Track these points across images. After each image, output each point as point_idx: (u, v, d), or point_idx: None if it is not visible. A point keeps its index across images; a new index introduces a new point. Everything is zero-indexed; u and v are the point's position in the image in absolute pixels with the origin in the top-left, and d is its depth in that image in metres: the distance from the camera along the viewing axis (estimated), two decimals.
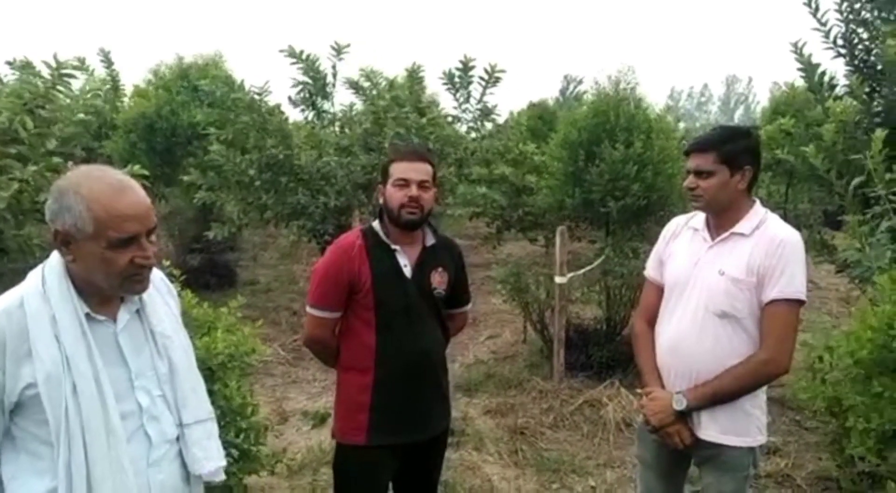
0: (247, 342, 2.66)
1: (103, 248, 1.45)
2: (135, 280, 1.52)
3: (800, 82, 6.28)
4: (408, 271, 2.36)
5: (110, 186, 1.46)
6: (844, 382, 2.91)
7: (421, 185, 2.30)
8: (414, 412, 2.39)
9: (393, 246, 2.35)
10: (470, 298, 2.70)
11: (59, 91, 3.99)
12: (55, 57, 3.95)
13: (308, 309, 2.39)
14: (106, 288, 1.51)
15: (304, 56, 6.44)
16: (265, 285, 9.04)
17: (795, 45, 4.53)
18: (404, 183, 2.29)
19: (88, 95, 4.60)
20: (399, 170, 2.31)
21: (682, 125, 12.61)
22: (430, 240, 2.44)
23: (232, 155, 6.38)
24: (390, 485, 2.54)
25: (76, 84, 4.42)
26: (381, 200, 2.39)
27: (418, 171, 2.31)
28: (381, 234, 2.36)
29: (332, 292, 2.34)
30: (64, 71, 3.93)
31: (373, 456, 2.35)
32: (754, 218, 2.21)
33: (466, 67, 6.57)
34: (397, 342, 2.33)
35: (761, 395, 2.24)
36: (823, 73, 4.51)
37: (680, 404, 2.19)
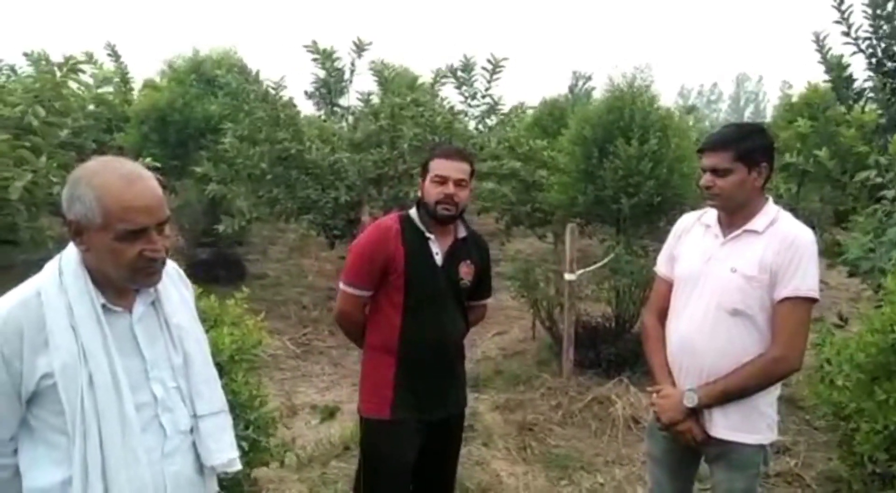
0: (252, 335, 2.67)
1: (112, 239, 1.44)
2: (145, 273, 1.51)
3: (816, 80, 6.22)
4: (439, 259, 2.48)
5: (121, 177, 1.46)
6: (849, 387, 2.91)
7: (458, 183, 2.42)
8: (435, 391, 2.51)
9: (427, 234, 2.46)
10: (491, 293, 2.82)
11: (70, 84, 4.03)
12: (65, 56, 4.00)
13: (341, 286, 2.52)
14: (116, 280, 1.51)
15: (325, 51, 6.45)
16: (274, 279, 9.06)
17: (817, 37, 4.47)
18: (442, 180, 2.41)
19: (99, 88, 4.63)
20: (438, 167, 2.44)
21: (699, 124, 12.53)
22: (462, 233, 2.56)
23: (244, 148, 6.40)
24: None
25: (86, 78, 4.46)
26: (420, 193, 2.51)
27: (456, 169, 2.43)
28: (418, 221, 2.49)
29: (366, 271, 2.45)
30: (73, 64, 3.97)
31: (397, 430, 2.46)
32: (767, 215, 2.20)
33: (468, 67, 6.58)
34: (422, 326, 2.45)
35: (773, 392, 2.23)
36: (847, 67, 4.45)
37: (691, 401, 2.19)
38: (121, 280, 1.51)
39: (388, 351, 2.47)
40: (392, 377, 2.46)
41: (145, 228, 1.46)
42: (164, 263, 1.55)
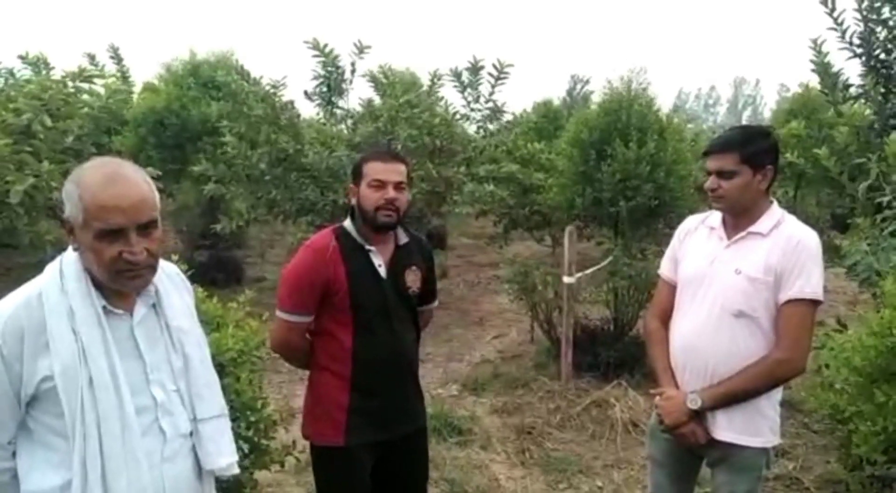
0: (256, 337, 2.67)
1: (92, 238, 1.43)
2: (127, 276, 1.48)
3: (814, 83, 6.26)
4: (382, 271, 2.32)
5: (104, 176, 1.45)
6: (848, 390, 2.91)
7: (397, 186, 2.26)
8: (392, 410, 2.37)
9: (367, 246, 2.31)
10: (437, 295, 2.68)
11: (80, 97, 4.06)
12: (81, 67, 4.03)
13: (278, 314, 2.32)
14: (103, 280, 1.49)
15: (326, 50, 6.45)
16: (272, 282, 9.03)
17: (815, 42, 4.50)
18: (380, 184, 2.25)
19: (110, 100, 4.62)
20: (374, 171, 2.27)
21: (690, 126, 12.57)
22: (403, 239, 2.41)
23: (244, 148, 6.40)
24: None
25: (96, 87, 4.49)
26: (352, 201, 2.34)
27: (394, 171, 2.28)
28: (355, 234, 2.32)
29: (306, 297, 2.28)
30: (86, 75, 3.99)
31: (352, 456, 2.32)
32: (772, 218, 2.20)
33: (476, 68, 6.57)
34: (375, 343, 2.30)
35: (776, 395, 2.23)
36: (838, 73, 4.48)
37: (694, 403, 2.18)
38: (106, 281, 1.49)
39: (340, 374, 2.30)
40: (346, 402, 2.29)
41: (122, 228, 1.43)
42: (151, 266, 1.52)
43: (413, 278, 2.40)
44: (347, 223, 2.35)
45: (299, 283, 2.29)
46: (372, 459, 2.38)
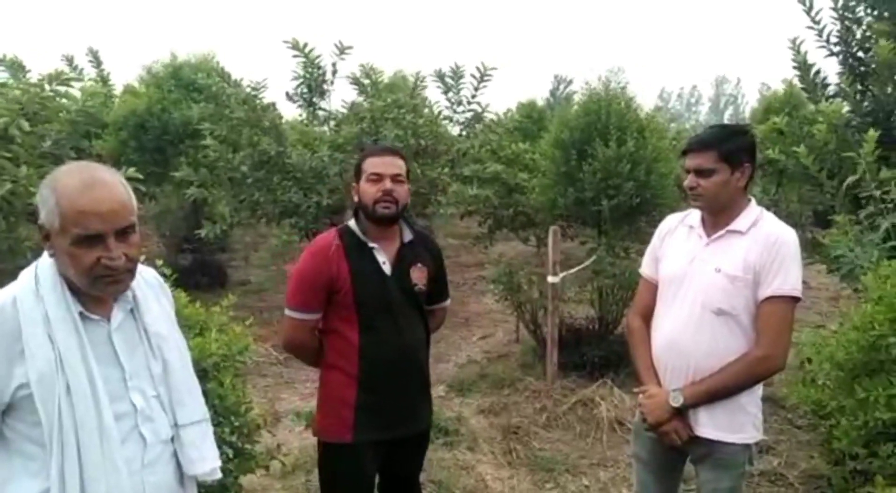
0: (239, 342, 2.65)
1: (69, 244, 1.42)
2: (106, 281, 1.46)
3: (795, 80, 6.33)
4: (387, 269, 2.35)
5: (80, 182, 1.43)
6: (829, 385, 2.94)
7: (394, 178, 2.30)
8: (399, 408, 2.40)
9: (371, 244, 2.34)
10: (448, 293, 2.70)
11: (57, 99, 4.02)
12: (58, 70, 3.98)
13: (286, 312, 2.37)
14: (80, 286, 1.47)
15: (306, 50, 6.42)
16: (257, 285, 9.00)
17: (794, 42, 4.55)
18: (377, 177, 2.29)
19: (88, 102, 4.58)
20: (372, 165, 2.32)
21: (673, 125, 12.65)
22: (408, 236, 2.44)
23: (225, 151, 6.35)
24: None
25: (73, 91, 4.44)
26: (355, 198, 2.38)
27: (391, 165, 2.32)
28: (358, 232, 2.36)
29: (311, 295, 2.32)
30: (63, 78, 3.95)
31: (358, 453, 2.36)
32: (750, 215, 2.22)
33: (457, 74, 6.58)
34: (381, 340, 2.33)
35: (757, 392, 2.25)
36: (818, 72, 4.54)
37: (676, 401, 2.19)
38: (84, 287, 1.47)
39: (348, 371, 2.34)
40: (353, 399, 2.33)
41: (100, 234, 1.42)
42: (129, 271, 1.50)
43: (419, 276, 2.42)
44: (352, 222, 2.40)
45: (304, 281, 2.33)
46: (378, 457, 2.41)
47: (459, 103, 6.75)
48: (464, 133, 7.15)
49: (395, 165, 2.33)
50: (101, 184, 1.45)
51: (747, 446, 2.24)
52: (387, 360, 2.34)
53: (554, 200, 6.48)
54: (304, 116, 6.93)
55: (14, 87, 4.13)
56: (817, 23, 4.51)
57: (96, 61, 10.08)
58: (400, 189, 2.31)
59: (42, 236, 1.47)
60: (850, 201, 3.94)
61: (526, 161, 7.96)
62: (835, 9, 4.43)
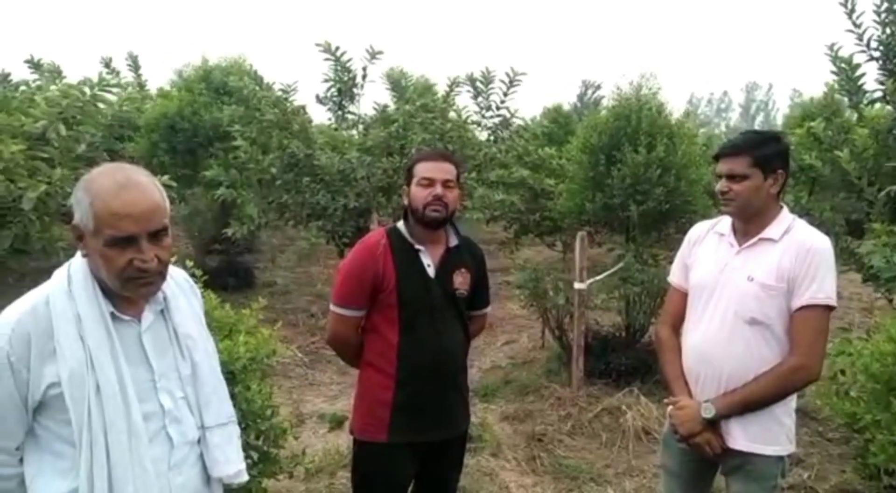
0: (267, 345, 2.66)
1: (102, 245, 1.43)
2: (138, 283, 1.47)
3: (834, 85, 6.19)
4: (431, 271, 2.38)
5: (115, 183, 1.44)
6: (864, 398, 2.87)
7: (445, 184, 2.32)
8: (435, 411, 2.40)
9: (417, 246, 2.37)
10: (489, 300, 2.70)
11: (97, 106, 4.10)
12: (100, 74, 4.06)
13: (332, 307, 2.41)
14: (112, 287, 1.49)
15: (338, 53, 6.47)
16: (283, 287, 9.07)
17: (831, 47, 4.46)
18: (428, 182, 2.31)
19: (123, 107, 4.66)
20: (423, 170, 2.35)
21: (702, 131, 12.49)
22: (454, 241, 2.46)
23: (255, 153, 6.42)
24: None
25: (111, 96, 4.52)
26: (405, 201, 2.41)
27: (442, 170, 2.34)
28: (406, 234, 2.39)
29: (356, 291, 2.35)
30: (105, 85, 4.02)
31: (393, 454, 2.37)
32: (783, 223, 2.18)
33: (487, 79, 6.57)
34: (420, 341, 2.35)
35: (791, 402, 2.21)
36: (860, 76, 4.43)
37: (709, 412, 2.15)
38: (115, 288, 1.48)
39: (386, 371, 2.35)
40: (390, 399, 2.34)
41: (133, 236, 1.43)
42: (161, 273, 1.51)
43: (462, 280, 2.44)
44: (400, 224, 2.43)
45: (350, 277, 2.37)
46: (413, 459, 2.42)
47: (489, 108, 6.74)
48: (491, 138, 7.13)
49: (447, 170, 2.35)
50: (135, 186, 1.46)
51: (780, 458, 2.19)
52: (424, 362, 2.35)
53: (581, 206, 6.43)
54: (333, 119, 6.96)
55: (55, 91, 4.20)
56: (858, 26, 4.41)
57: (135, 66, 10.22)
58: (450, 194, 2.33)
59: (76, 237, 1.48)
60: (890, 210, 3.85)
61: (552, 166, 7.92)
62: (877, 12, 4.33)
